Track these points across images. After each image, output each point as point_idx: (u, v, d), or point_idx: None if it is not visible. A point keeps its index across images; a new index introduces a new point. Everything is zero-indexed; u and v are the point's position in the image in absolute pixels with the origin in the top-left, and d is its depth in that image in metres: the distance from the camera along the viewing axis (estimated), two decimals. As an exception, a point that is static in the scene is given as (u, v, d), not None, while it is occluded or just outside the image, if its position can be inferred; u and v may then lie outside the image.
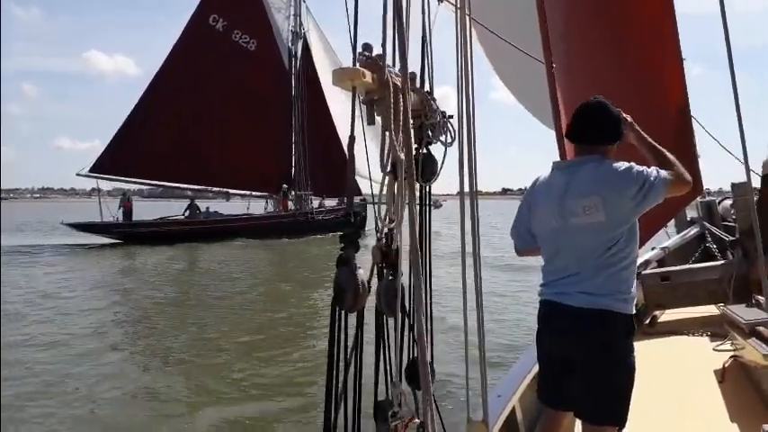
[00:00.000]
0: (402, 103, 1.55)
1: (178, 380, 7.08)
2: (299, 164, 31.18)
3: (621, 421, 2.32)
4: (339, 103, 25.92)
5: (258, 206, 31.39)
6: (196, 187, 29.66)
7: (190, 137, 27.53)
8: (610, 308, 2.26)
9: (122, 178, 28.15)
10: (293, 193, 30.78)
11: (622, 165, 2.29)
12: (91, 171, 27.35)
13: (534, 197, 2.50)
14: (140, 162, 27.17)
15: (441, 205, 58.76)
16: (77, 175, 27.67)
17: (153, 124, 27.10)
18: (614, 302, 2.27)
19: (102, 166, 27.37)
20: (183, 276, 17.63)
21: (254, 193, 30.59)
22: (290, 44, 31.31)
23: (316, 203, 31.09)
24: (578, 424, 2.46)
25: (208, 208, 29.72)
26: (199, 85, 27.48)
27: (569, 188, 2.32)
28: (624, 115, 2.46)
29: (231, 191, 30.46)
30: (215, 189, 30.24)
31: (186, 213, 28.38)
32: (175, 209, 29.71)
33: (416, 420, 1.81)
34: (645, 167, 2.29)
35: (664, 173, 2.30)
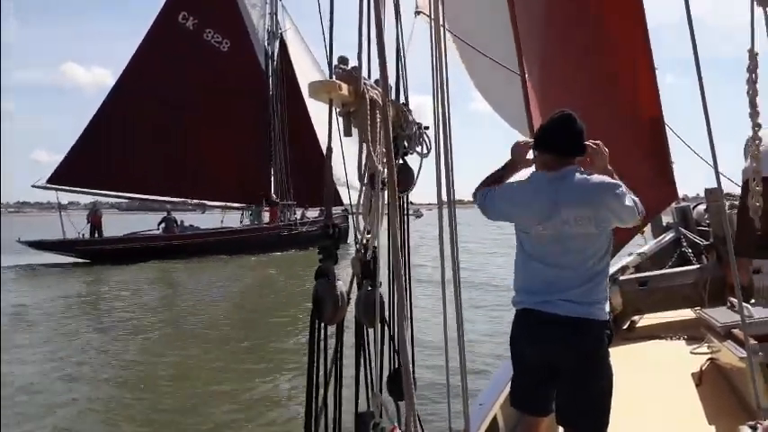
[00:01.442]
0: (380, 115, 1.57)
1: (152, 402, 6.89)
2: (279, 171, 29.00)
3: (604, 427, 2.37)
4: (319, 106, 24.87)
5: (233, 219, 29.00)
6: (170, 199, 26.97)
7: (158, 144, 25.21)
8: (595, 317, 2.34)
9: (82, 189, 25.49)
10: (275, 202, 28.77)
11: (610, 180, 2.38)
12: (48, 182, 24.69)
13: (521, 203, 2.49)
14: (103, 172, 24.74)
15: (422, 215, 58.94)
16: (33, 186, 24.99)
17: (116, 131, 24.75)
18: (597, 311, 2.35)
19: (61, 177, 24.67)
20: (152, 298, 15.87)
21: (233, 204, 28.41)
22: (266, 44, 29.11)
23: (298, 214, 28.92)
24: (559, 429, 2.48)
25: (182, 221, 27.17)
26: (167, 89, 25.22)
27: (559, 198, 2.35)
28: (597, 144, 2.50)
29: (208, 202, 28.41)
30: (193, 201, 27.89)
31: (162, 227, 26.04)
32: (148, 223, 27.34)
33: (398, 430, 1.81)
34: (629, 192, 2.38)
35: (641, 205, 2.43)
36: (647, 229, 6.47)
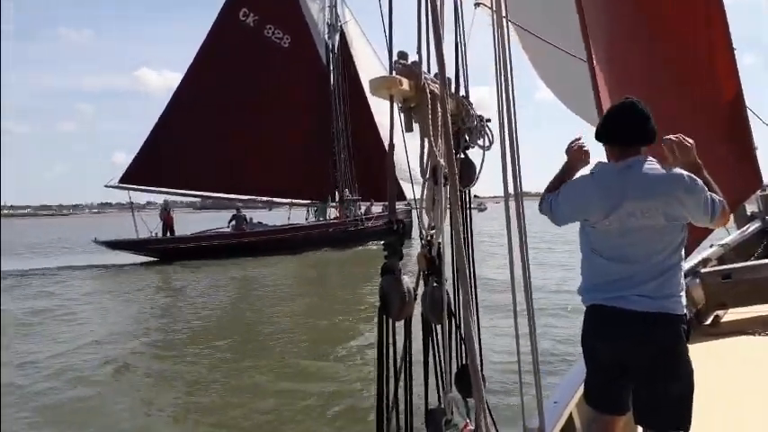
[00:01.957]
0: (440, 109, 1.56)
1: (223, 400, 7.05)
2: (342, 167, 28.72)
3: (687, 425, 2.28)
4: (379, 99, 24.06)
5: (299, 216, 28.95)
6: (239, 197, 27.16)
7: (222, 142, 25.20)
8: (671, 310, 2.26)
9: (153, 188, 25.78)
10: (344, 199, 28.58)
11: (682, 172, 2.29)
12: (120, 182, 25.09)
13: (584, 199, 2.43)
14: (170, 171, 24.96)
15: (485, 208, 58.27)
16: (106, 186, 25.37)
17: (182, 130, 24.80)
18: (673, 305, 2.26)
19: (132, 177, 25.09)
20: (223, 297, 15.97)
21: (299, 201, 28.37)
22: (326, 38, 28.60)
23: (362, 209, 28.86)
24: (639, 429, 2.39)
25: (251, 218, 27.19)
26: (230, 87, 25.24)
27: (627, 190, 2.29)
28: (685, 139, 2.40)
29: (275, 200, 28.26)
30: (262, 199, 27.87)
31: (232, 225, 26.06)
32: (223, 220, 27.22)
33: (470, 427, 1.79)
34: (707, 189, 2.29)
35: (723, 203, 2.32)
36: (730, 218, 6.13)
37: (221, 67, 25.40)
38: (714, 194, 2.30)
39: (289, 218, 28.42)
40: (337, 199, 28.86)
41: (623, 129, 2.38)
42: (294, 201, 28.40)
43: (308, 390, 7.19)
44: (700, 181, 2.27)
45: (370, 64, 27.98)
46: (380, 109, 24.72)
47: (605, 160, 2.51)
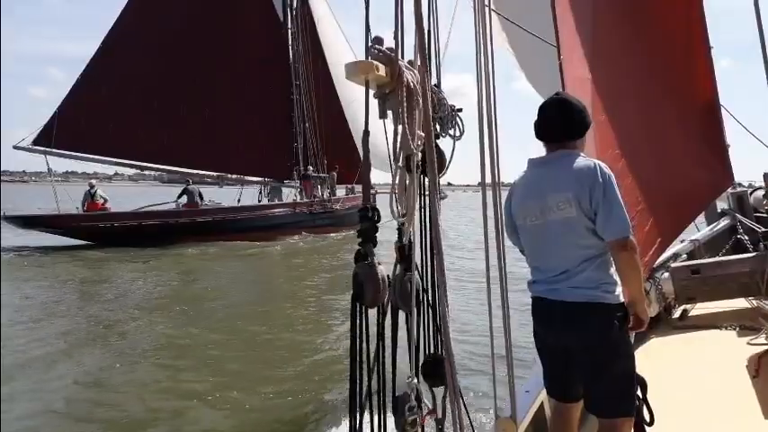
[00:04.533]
0: (417, 97, 1.54)
1: (191, 392, 6.57)
2: (304, 140, 24.58)
3: (631, 411, 2.35)
4: (339, 61, 20.49)
5: (251, 195, 24.16)
6: (183, 171, 22.51)
7: (160, 106, 21.09)
8: (600, 299, 2.30)
9: (77, 154, 21.10)
10: (309, 176, 24.17)
11: (601, 166, 2.28)
12: (35, 143, 20.29)
13: (514, 198, 2.51)
14: (98, 135, 20.49)
15: (446, 196, 58.36)
16: (15, 147, 20.19)
17: (112, 87, 20.61)
18: (603, 294, 2.30)
19: (49, 138, 20.14)
20: (173, 290, 12.57)
21: (253, 178, 24.09)
22: None
23: (324, 192, 24.74)
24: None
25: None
26: (170, 45, 21.21)
27: (546, 185, 2.36)
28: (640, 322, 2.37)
29: (247, 177, 23.79)
30: (233, 176, 23.48)
31: (181, 201, 20.79)
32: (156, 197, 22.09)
33: (433, 414, 1.80)
34: (622, 205, 2.26)
35: (633, 242, 2.27)
36: (701, 215, 6.23)
37: (158, 23, 21.43)
38: (628, 225, 2.25)
39: (239, 199, 23.24)
40: (300, 176, 24.43)
41: (547, 125, 2.44)
42: (245, 177, 24.03)
43: (277, 380, 7.02)
44: (614, 182, 2.26)
45: (331, 25, 25.52)
46: (341, 79, 20.35)
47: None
